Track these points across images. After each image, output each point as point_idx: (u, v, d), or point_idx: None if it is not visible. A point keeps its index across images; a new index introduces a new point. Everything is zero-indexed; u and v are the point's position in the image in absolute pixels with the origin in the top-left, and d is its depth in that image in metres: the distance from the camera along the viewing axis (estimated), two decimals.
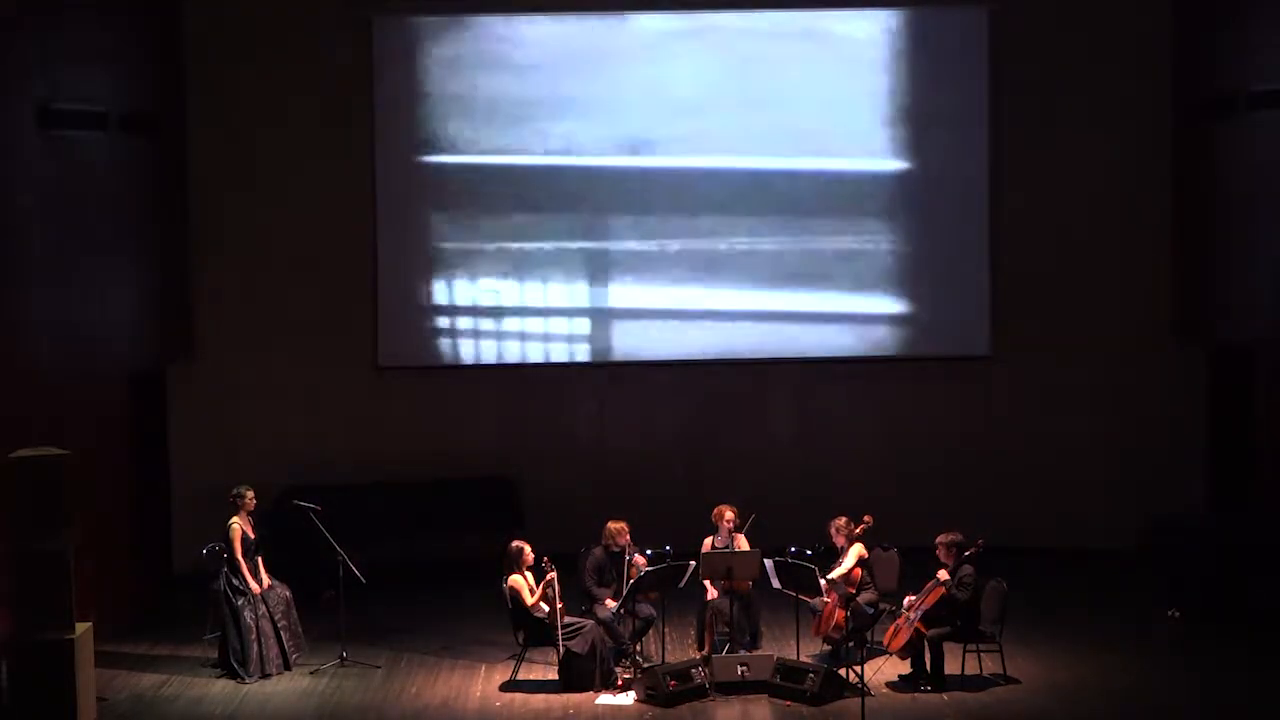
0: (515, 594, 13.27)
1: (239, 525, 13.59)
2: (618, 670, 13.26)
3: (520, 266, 17.35)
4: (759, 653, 13.48)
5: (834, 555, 13.83)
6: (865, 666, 12.67)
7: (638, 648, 13.52)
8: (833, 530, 13.82)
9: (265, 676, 13.55)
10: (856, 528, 13.79)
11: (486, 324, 17.40)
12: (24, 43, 14.10)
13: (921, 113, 17.38)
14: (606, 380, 17.59)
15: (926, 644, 13.12)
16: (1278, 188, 15.62)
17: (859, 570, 13.69)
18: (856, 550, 13.72)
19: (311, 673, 13.69)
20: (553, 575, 13.20)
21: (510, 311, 17.39)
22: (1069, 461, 17.52)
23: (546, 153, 17.30)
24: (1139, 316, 17.52)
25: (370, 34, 17.11)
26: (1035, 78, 17.32)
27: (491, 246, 17.34)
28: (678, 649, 14.12)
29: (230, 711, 12.90)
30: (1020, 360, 17.54)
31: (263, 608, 13.59)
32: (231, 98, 16.98)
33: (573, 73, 17.22)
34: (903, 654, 13.25)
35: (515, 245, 17.33)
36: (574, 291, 17.39)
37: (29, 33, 14.14)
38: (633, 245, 17.41)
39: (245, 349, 17.18)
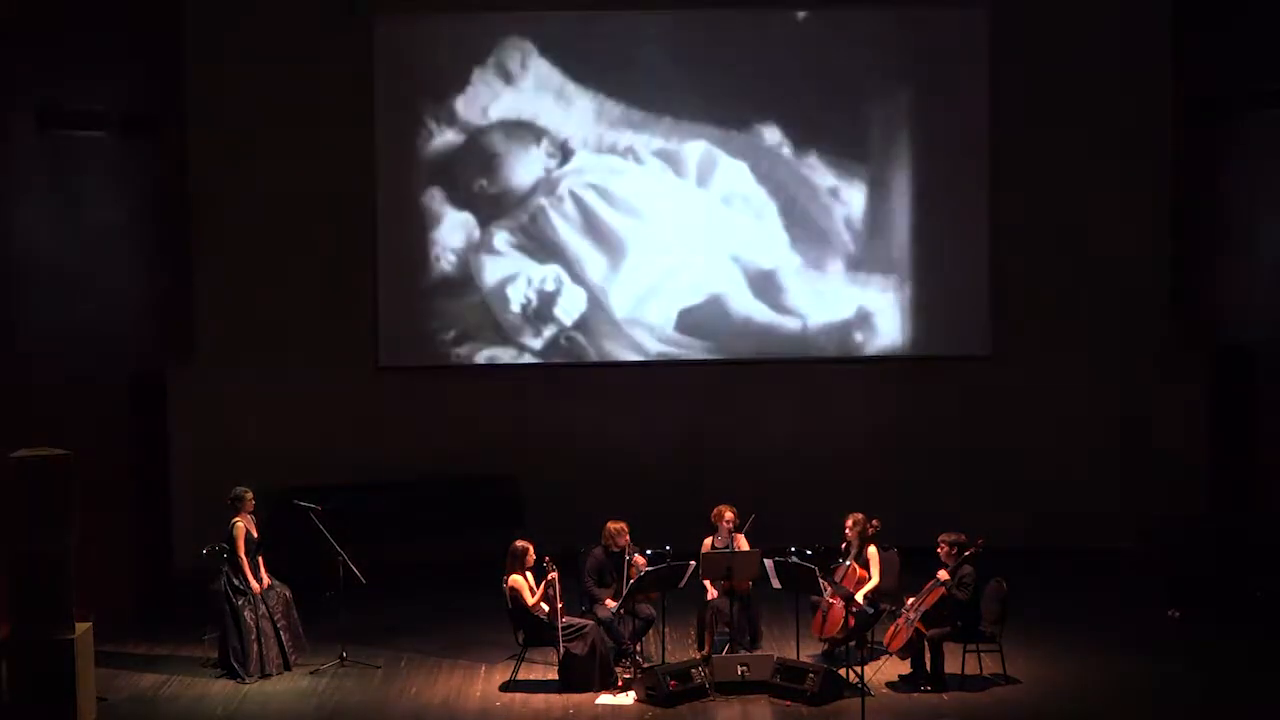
0: (516, 594, 13.25)
1: (242, 525, 13.58)
2: (618, 670, 13.25)
3: (522, 267, 17.35)
4: (759, 653, 13.46)
5: (834, 555, 13.82)
6: (865, 666, 12.67)
7: (638, 648, 13.51)
8: (849, 524, 13.73)
9: (265, 676, 13.54)
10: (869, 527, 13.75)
11: (487, 324, 17.40)
12: (25, 43, 14.10)
13: (921, 112, 17.37)
14: (606, 380, 17.58)
15: (926, 644, 13.11)
16: (1278, 188, 15.63)
17: (860, 570, 13.68)
18: (874, 555, 13.64)
19: (311, 673, 13.68)
20: (554, 575, 13.18)
21: (511, 312, 17.38)
22: (1069, 461, 17.51)
23: (548, 155, 17.34)
24: (1139, 316, 17.51)
25: (371, 34, 17.10)
26: (1035, 78, 17.31)
27: (493, 246, 17.33)
28: (678, 649, 14.10)
29: (230, 711, 12.89)
30: (1020, 360, 17.53)
31: (263, 608, 13.57)
32: (231, 98, 16.96)
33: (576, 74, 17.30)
34: (903, 654, 13.25)
35: (515, 245, 17.33)
36: (576, 289, 17.40)
37: (30, 33, 14.15)
38: (636, 246, 17.50)
39: (246, 349, 17.17)
